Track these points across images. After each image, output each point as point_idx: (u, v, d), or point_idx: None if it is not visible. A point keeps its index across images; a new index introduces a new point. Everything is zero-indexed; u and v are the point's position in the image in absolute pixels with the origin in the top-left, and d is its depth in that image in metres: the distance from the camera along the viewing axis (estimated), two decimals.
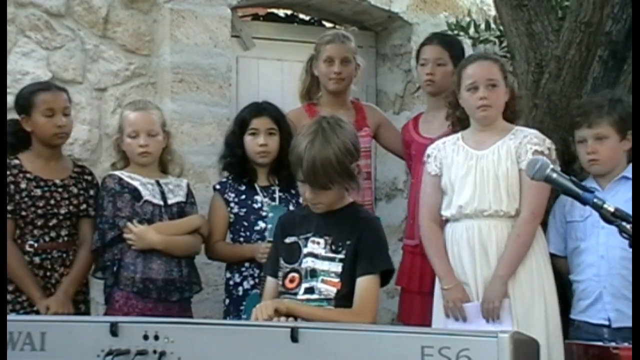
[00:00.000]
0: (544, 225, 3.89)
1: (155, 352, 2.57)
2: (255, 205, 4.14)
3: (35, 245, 3.96)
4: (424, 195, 3.92)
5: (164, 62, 4.97)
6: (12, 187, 3.93)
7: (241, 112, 4.29)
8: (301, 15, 5.95)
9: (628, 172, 3.84)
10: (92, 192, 4.10)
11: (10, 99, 4.42)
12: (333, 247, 3.15)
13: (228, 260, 4.18)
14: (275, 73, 5.45)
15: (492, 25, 5.40)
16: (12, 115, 4.20)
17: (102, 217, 3.98)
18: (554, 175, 2.78)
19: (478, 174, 3.75)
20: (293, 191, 4.11)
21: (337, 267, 3.13)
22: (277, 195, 4.16)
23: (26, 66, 4.70)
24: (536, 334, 3.16)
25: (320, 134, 3.12)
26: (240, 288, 4.08)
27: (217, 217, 4.18)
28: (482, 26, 5.47)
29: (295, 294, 3.17)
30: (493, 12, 5.23)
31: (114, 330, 2.60)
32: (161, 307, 3.93)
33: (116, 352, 2.58)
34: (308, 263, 3.16)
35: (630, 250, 2.67)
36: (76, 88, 4.68)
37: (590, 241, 3.81)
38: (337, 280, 3.13)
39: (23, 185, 3.96)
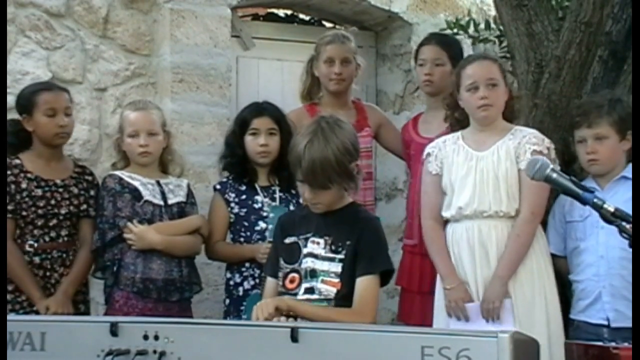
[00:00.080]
0: (544, 225, 3.89)
1: (155, 352, 2.57)
2: (256, 206, 4.14)
3: (35, 245, 3.96)
4: (425, 195, 3.92)
5: (164, 62, 4.97)
6: (12, 187, 3.94)
7: (242, 112, 4.29)
8: (301, 15, 5.95)
9: (627, 172, 3.84)
10: (92, 193, 4.10)
11: (11, 99, 4.42)
12: (333, 247, 3.15)
13: (228, 260, 4.18)
14: (275, 73, 5.45)
15: (492, 25, 5.40)
16: (12, 115, 4.21)
17: (103, 217, 3.98)
18: (554, 175, 2.78)
19: (478, 175, 3.75)
20: (293, 191, 4.11)
21: (337, 267, 3.13)
22: (277, 195, 4.17)
23: (26, 66, 4.70)
24: (537, 334, 3.16)
25: (319, 133, 3.12)
26: (240, 288, 4.08)
27: (217, 217, 4.18)
28: (482, 25, 5.47)
29: (296, 294, 3.17)
30: (493, 12, 5.23)
31: (114, 330, 2.60)
32: (161, 307, 3.93)
33: (116, 352, 2.57)
34: (308, 263, 3.17)
35: (630, 250, 2.67)
36: (76, 88, 4.68)
37: (590, 241, 3.81)
38: (337, 280, 3.13)
39: (24, 185, 3.96)
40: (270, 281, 3.28)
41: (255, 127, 4.15)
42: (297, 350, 2.47)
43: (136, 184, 4.02)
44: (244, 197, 4.16)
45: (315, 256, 3.17)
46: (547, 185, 3.09)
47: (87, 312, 4.13)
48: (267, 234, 4.04)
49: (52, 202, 3.99)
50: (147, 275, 3.94)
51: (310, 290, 3.14)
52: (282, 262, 3.24)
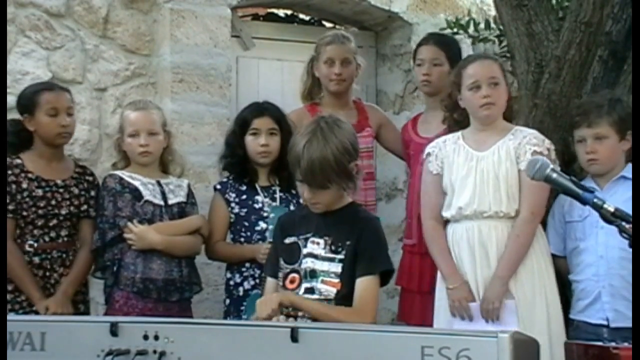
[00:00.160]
0: (543, 225, 3.89)
1: (155, 352, 2.57)
2: (256, 206, 4.14)
3: (35, 245, 3.96)
4: (425, 195, 3.92)
5: (164, 62, 4.97)
6: (13, 186, 3.94)
7: (242, 112, 4.29)
8: (301, 15, 5.95)
9: (626, 172, 3.84)
10: (93, 193, 4.10)
11: (10, 99, 4.42)
12: (333, 248, 3.15)
13: (228, 260, 4.18)
14: (275, 73, 5.45)
15: (492, 25, 5.40)
16: (12, 115, 4.21)
17: (103, 217, 3.98)
18: (554, 175, 2.78)
19: (478, 176, 3.75)
20: (294, 191, 4.11)
21: (337, 268, 3.13)
22: (277, 195, 4.16)
23: (26, 66, 4.70)
24: (538, 334, 3.16)
25: (318, 133, 3.12)
26: (240, 288, 4.08)
27: (217, 217, 4.18)
28: (482, 25, 5.47)
29: (296, 294, 3.16)
30: (493, 12, 5.24)
31: (114, 330, 2.60)
32: (161, 307, 3.93)
33: (116, 352, 2.57)
34: (308, 263, 3.16)
35: (629, 250, 2.67)
36: (76, 88, 4.67)
37: (589, 241, 3.81)
38: (336, 280, 3.13)
39: (24, 185, 3.96)
40: (270, 281, 3.28)
41: (256, 127, 4.15)
42: (297, 350, 2.46)
43: (136, 184, 4.02)
44: (244, 197, 4.16)
45: (315, 256, 3.17)
46: (547, 185, 3.09)
47: (86, 312, 4.13)
48: (267, 234, 4.04)
49: (53, 202, 3.99)
50: (147, 275, 3.94)
51: (310, 291, 3.14)
52: (282, 262, 3.24)
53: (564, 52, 4.21)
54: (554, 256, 3.85)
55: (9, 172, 3.95)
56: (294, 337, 2.47)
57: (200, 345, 2.56)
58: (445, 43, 4.57)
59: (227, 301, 4.13)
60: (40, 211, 3.96)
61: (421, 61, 4.48)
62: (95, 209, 4.06)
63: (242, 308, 4.03)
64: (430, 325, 3.82)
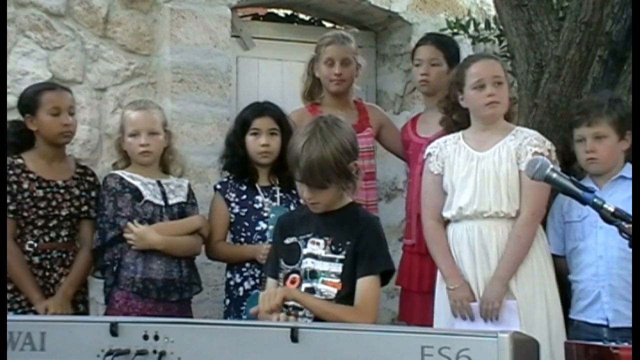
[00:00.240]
0: (543, 225, 3.89)
1: (155, 352, 2.57)
2: (256, 206, 4.13)
3: (35, 245, 3.96)
4: (426, 195, 3.92)
5: (164, 62, 4.97)
6: (14, 187, 3.94)
7: (243, 112, 4.28)
8: (301, 15, 5.95)
9: (625, 172, 3.85)
10: (93, 194, 4.10)
11: (10, 99, 4.42)
12: (333, 248, 3.15)
13: (229, 260, 4.18)
14: (275, 73, 5.45)
15: (492, 25, 5.40)
16: (12, 115, 4.21)
17: (103, 217, 3.98)
18: (554, 175, 2.78)
19: (479, 176, 3.76)
20: (294, 191, 4.09)
21: (337, 268, 3.13)
22: (278, 195, 4.16)
23: (26, 66, 4.70)
24: (538, 334, 3.16)
25: (317, 133, 3.11)
26: (240, 288, 4.08)
27: (217, 217, 4.18)
28: (482, 25, 5.47)
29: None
30: (493, 12, 5.24)
31: (114, 330, 2.60)
32: (161, 308, 3.94)
33: (116, 352, 2.57)
34: (308, 264, 3.16)
35: (629, 250, 2.67)
36: (76, 88, 4.67)
37: (589, 241, 3.81)
38: (337, 280, 3.12)
39: (25, 186, 3.96)
40: (271, 282, 3.28)
41: (257, 127, 4.15)
42: (297, 350, 2.46)
43: (137, 183, 4.02)
44: (244, 197, 4.16)
45: (315, 257, 3.16)
46: (547, 186, 3.09)
47: (86, 312, 4.13)
48: (267, 234, 4.04)
49: (53, 203, 3.99)
50: (147, 276, 3.94)
51: (310, 291, 3.13)
52: (282, 263, 3.23)
53: (564, 52, 4.21)
54: (554, 256, 3.86)
55: (11, 172, 3.95)
56: (294, 337, 2.47)
57: (200, 345, 2.56)
58: (443, 43, 4.57)
59: (227, 301, 4.13)
60: (40, 212, 3.96)
61: (419, 61, 4.49)
62: (96, 209, 4.06)
63: (243, 308, 4.03)
64: (431, 325, 3.82)
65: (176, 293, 4.00)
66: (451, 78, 3.97)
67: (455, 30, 5.37)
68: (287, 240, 3.24)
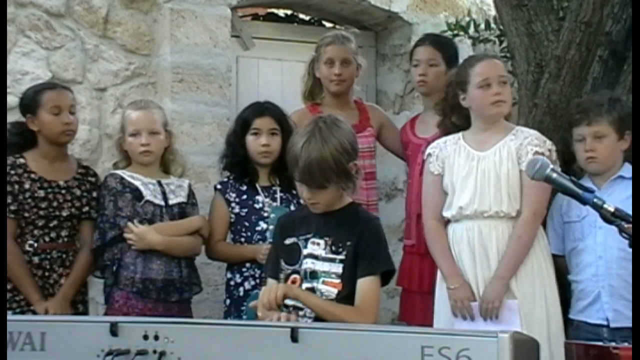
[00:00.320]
0: (543, 225, 3.89)
1: (155, 352, 2.57)
2: (257, 206, 4.13)
3: (35, 245, 3.96)
4: (426, 195, 3.92)
5: (164, 62, 4.97)
6: (16, 187, 3.94)
7: (243, 112, 4.28)
8: (301, 15, 5.95)
9: (624, 171, 3.85)
10: (95, 194, 4.09)
11: (10, 99, 4.42)
12: (333, 248, 3.15)
13: (229, 260, 4.17)
14: (275, 73, 5.45)
15: (492, 25, 5.40)
16: (12, 115, 4.21)
17: (103, 216, 3.98)
18: (554, 175, 2.78)
19: (479, 175, 3.76)
20: (294, 192, 4.09)
21: (338, 268, 3.13)
22: (278, 195, 4.16)
23: (26, 66, 4.70)
24: (537, 334, 3.17)
25: (316, 133, 3.11)
26: (241, 289, 4.08)
27: (218, 217, 4.18)
28: (482, 26, 5.47)
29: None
30: (493, 12, 5.23)
31: (114, 330, 2.60)
32: (161, 308, 3.93)
33: (116, 352, 2.57)
34: (308, 264, 3.16)
35: (628, 250, 2.67)
36: (76, 88, 4.67)
37: (588, 241, 3.81)
38: (337, 281, 3.12)
39: (27, 186, 3.96)
40: (271, 282, 3.27)
41: (257, 127, 4.15)
42: (297, 350, 2.46)
43: (137, 183, 4.02)
44: (244, 197, 4.16)
45: (316, 257, 3.16)
46: (548, 185, 3.09)
47: (85, 312, 4.13)
48: (267, 234, 4.04)
49: (54, 203, 3.99)
50: (147, 276, 3.94)
51: (311, 291, 3.12)
52: (282, 263, 3.23)
53: (564, 52, 4.21)
54: (554, 256, 3.86)
55: (12, 171, 3.95)
56: (294, 337, 2.47)
57: (200, 345, 2.56)
58: (441, 44, 4.58)
59: (228, 301, 4.13)
60: (41, 212, 3.96)
61: (417, 62, 4.49)
62: (96, 209, 4.06)
63: (243, 308, 4.03)
64: (431, 325, 3.82)
65: (176, 293, 4.00)
66: (450, 78, 3.97)
67: (455, 32, 5.36)
68: (287, 241, 3.24)
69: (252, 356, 2.51)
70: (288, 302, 3.11)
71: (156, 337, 2.58)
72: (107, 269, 3.99)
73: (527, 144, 3.74)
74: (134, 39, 4.98)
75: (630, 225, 2.61)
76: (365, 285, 3.10)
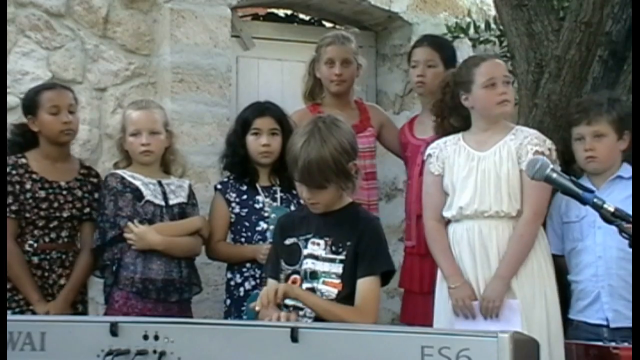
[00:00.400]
0: (543, 225, 3.89)
1: (155, 352, 2.57)
2: (257, 206, 4.13)
3: (35, 245, 3.96)
4: (427, 195, 3.92)
5: (164, 62, 4.97)
6: (17, 187, 3.94)
7: (243, 112, 4.28)
8: (301, 15, 5.95)
9: (622, 171, 3.85)
10: (96, 195, 4.08)
11: (10, 99, 4.43)
12: (333, 248, 3.15)
13: (229, 260, 4.17)
14: (275, 73, 5.45)
15: (492, 26, 5.40)
16: (13, 115, 4.22)
17: (103, 216, 3.98)
18: (554, 175, 2.79)
19: (479, 175, 3.76)
20: (294, 192, 4.08)
21: (338, 268, 3.13)
22: (278, 195, 4.16)
23: (26, 66, 4.70)
24: (537, 334, 3.17)
25: (316, 133, 3.11)
26: (241, 289, 4.07)
27: (218, 217, 4.18)
28: (482, 26, 5.47)
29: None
30: (493, 12, 5.24)
31: (114, 330, 2.60)
32: (161, 308, 3.93)
33: (116, 352, 2.57)
34: (308, 265, 3.16)
35: (628, 250, 2.68)
36: (76, 88, 4.66)
37: (587, 241, 3.81)
38: (338, 281, 3.12)
39: (28, 186, 3.96)
40: (271, 283, 3.27)
41: (257, 127, 4.14)
42: (297, 350, 2.47)
43: (138, 183, 4.02)
44: (245, 197, 4.16)
45: (316, 257, 3.16)
46: (549, 185, 3.09)
47: (85, 312, 4.12)
48: (268, 234, 4.04)
49: (55, 204, 3.99)
50: (147, 276, 3.94)
51: (311, 291, 3.13)
52: (282, 263, 3.23)
53: (564, 52, 4.21)
54: (554, 256, 3.86)
55: (14, 171, 3.95)
56: (294, 337, 2.47)
57: (200, 345, 2.56)
58: (439, 44, 4.57)
59: (228, 301, 4.13)
60: (42, 212, 3.96)
61: (416, 63, 4.49)
62: (97, 208, 4.06)
63: (243, 308, 4.03)
64: (432, 326, 3.82)
65: (176, 293, 4.00)
66: (446, 79, 3.96)
67: (455, 34, 5.36)
68: (288, 241, 3.24)
69: (252, 356, 2.51)
70: (288, 302, 3.11)
71: (156, 337, 2.58)
72: (107, 269, 3.99)
73: (527, 144, 3.74)
74: (134, 39, 4.98)
75: (630, 225, 2.61)
76: (365, 285, 3.10)
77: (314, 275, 3.15)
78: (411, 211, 4.32)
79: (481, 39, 5.46)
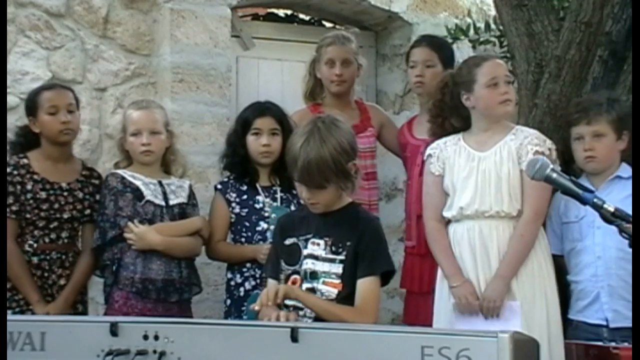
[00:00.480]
0: (543, 226, 3.89)
1: (155, 352, 2.57)
2: (257, 206, 4.13)
3: (35, 245, 3.96)
4: (427, 195, 3.92)
5: (164, 62, 4.97)
6: (18, 187, 3.94)
7: (244, 112, 4.27)
8: (301, 15, 5.95)
9: (621, 172, 3.86)
10: (97, 197, 4.08)
11: (10, 99, 4.43)
12: (333, 249, 3.15)
13: (229, 260, 4.17)
14: (275, 73, 5.45)
15: (492, 26, 5.39)
16: (13, 115, 4.22)
17: (104, 215, 3.98)
18: (554, 175, 2.79)
19: (480, 176, 3.76)
20: (295, 191, 4.09)
21: (338, 269, 3.13)
22: (278, 195, 4.16)
23: (26, 66, 4.70)
24: (538, 334, 3.17)
25: (315, 133, 3.11)
26: (241, 289, 4.07)
27: (218, 217, 4.18)
28: (482, 28, 5.47)
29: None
30: (493, 12, 5.23)
31: (114, 330, 2.60)
32: (160, 308, 3.93)
33: (116, 352, 2.57)
34: (308, 265, 3.16)
35: (627, 250, 2.68)
36: (76, 88, 4.64)
37: (587, 241, 3.81)
38: (338, 281, 3.12)
39: (29, 187, 3.96)
40: (271, 283, 3.27)
41: (258, 127, 4.14)
42: (297, 350, 2.47)
43: (138, 183, 4.02)
44: (245, 197, 4.15)
45: (316, 257, 3.16)
46: (549, 185, 3.09)
47: (84, 312, 4.12)
48: (268, 234, 4.03)
49: (56, 205, 3.99)
50: (147, 276, 3.94)
51: (311, 292, 3.13)
52: (282, 263, 3.23)
53: (564, 52, 4.21)
54: (554, 256, 3.86)
55: (15, 172, 3.95)
56: (294, 337, 2.47)
57: (200, 345, 2.56)
58: (437, 45, 4.57)
59: (228, 301, 4.13)
60: (42, 213, 3.96)
61: (414, 63, 4.49)
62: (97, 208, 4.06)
63: (243, 308, 4.02)
64: (432, 325, 3.82)
65: (176, 294, 4.00)
66: (445, 80, 3.95)
67: (455, 36, 5.36)
68: (287, 241, 3.24)
69: (252, 356, 2.51)
70: (288, 302, 3.11)
71: (156, 337, 2.58)
72: (107, 269, 3.99)
73: (527, 144, 3.74)
74: (134, 39, 4.98)
75: (630, 225, 2.61)
76: (365, 285, 3.10)
77: (314, 275, 3.15)
78: (411, 211, 4.32)
79: (481, 39, 5.46)
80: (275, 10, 5.96)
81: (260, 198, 4.15)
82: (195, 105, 4.98)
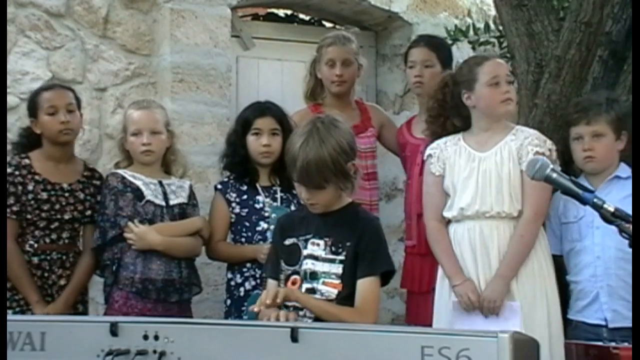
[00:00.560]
0: (543, 226, 3.89)
1: (155, 352, 2.57)
2: (257, 206, 4.13)
3: (35, 245, 3.96)
4: (427, 195, 3.92)
5: (164, 62, 4.97)
6: (19, 188, 3.94)
7: (244, 112, 4.27)
8: (301, 15, 5.96)
9: (620, 171, 3.86)
10: (99, 198, 4.08)
11: (10, 99, 4.43)
12: (333, 249, 3.14)
13: (229, 260, 4.17)
14: (275, 73, 5.46)
15: (492, 26, 5.39)
16: (13, 115, 4.22)
17: (104, 215, 3.98)
18: (554, 175, 2.79)
19: (480, 176, 3.76)
20: (295, 192, 4.09)
21: (338, 269, 3.13)
22: (278, 195, 4.16)
23: (26, 66, 4.70)
24: (538, 335, 3.17)
25: (314, 133, 3.11)
26: (241, 289, 4.07)
27: (218, 217, 4.18)
28: (482, 28, 5.47)
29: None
30: (493, 12, 5.23)
31: (114, 330, 2.60)
32: (160, 308, 3.93)
33: (116, 352, 2.57)
34: (308, 265, 3.16)
35: (626, 250, 2.68)
36: (76, 88, 4.64)
37: (586, 242, 3.81)
38: (337, 281, 3.12)
39: (30, 187, 3.96)
40: (271, 283, 3.27)
41: (258, 127, 4.14)
42: (297, 350, 2.47)
43: (138, 183, 4.02)
44: (245, 197, 4.15)
45: (316, 258, 3.16)
46: (549, 185, 3.09)
47: (85, 313, 4.12)
48: (268, 234, 4.03)
49: (57, 206, 3.99)
50: (147, 276, 3.94)
51: (311, 292, 3.13)
52: (282, 264, 3.23)
53: (564, 52, 4.21)
54: (554, 256, 3.86)
55: (17, 172, 3.95)
56: (294, 337, 2.47)
57: (200, 345, 2.56)
58: (436, 45, 4.57)
59: (228, 301, 4.13)
60: (43, 214, 3.96)
61: (413, 63, 4.49)
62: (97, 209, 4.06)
63: (243, 308, 4.02)
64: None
65: (176, 294, 4.00)
66: (445, 79, 3.94)
67: (455, 37, 5.36)
68: (287, 241, 3.24)
69: (252, 356, 2.51)
70: (288, 302, 3.11)
71: (156, 337, 2.58)
72: (107, 269, 3.99)
73: (527, 144, 3.74)
74: (134, 39, 4.98)
75: (630, 225, 2.61)
76: (365, 285, 3.10)
77: (313, 275, 3.15)
78: (411, 211, 4.31)
79: (481, 40, 5.46)
80: (275, 10, 5.96)
81: (260, 198, 4.15)
82: (195, 105, 4.98)
